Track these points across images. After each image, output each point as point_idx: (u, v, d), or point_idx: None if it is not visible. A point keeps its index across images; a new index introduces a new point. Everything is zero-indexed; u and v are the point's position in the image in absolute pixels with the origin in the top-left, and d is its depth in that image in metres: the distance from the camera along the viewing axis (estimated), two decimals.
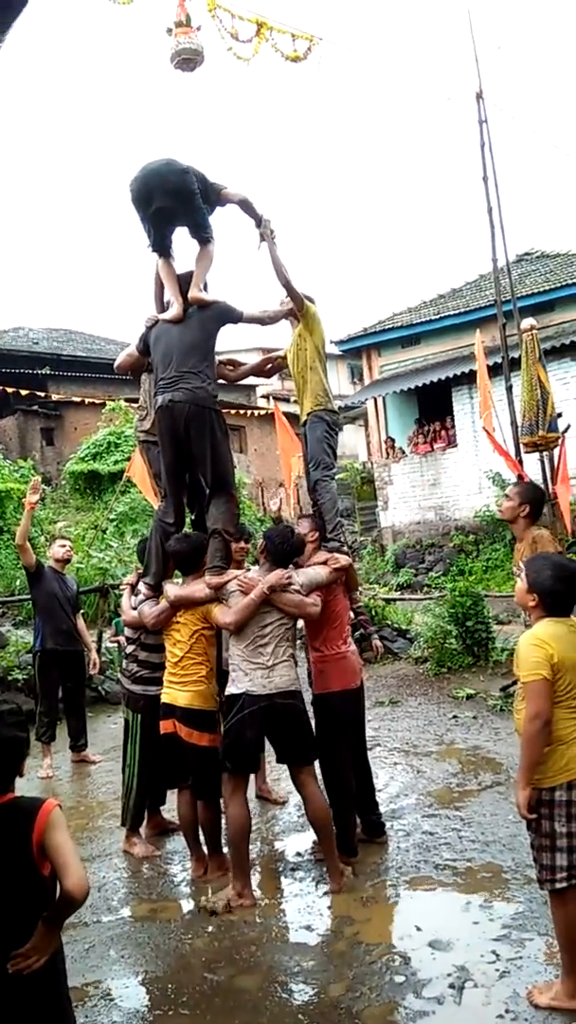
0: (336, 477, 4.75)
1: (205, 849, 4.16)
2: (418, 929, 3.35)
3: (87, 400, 21.50)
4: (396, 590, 15.19)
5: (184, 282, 4.40)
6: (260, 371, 5.09)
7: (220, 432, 4.30)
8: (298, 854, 4.30)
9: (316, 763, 3.94)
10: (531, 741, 2.64)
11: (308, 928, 3.51)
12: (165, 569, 4.35)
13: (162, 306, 4.62)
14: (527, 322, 7.70)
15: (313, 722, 4.23)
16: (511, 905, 3.47)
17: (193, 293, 4.31)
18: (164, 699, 4.12)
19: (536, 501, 4.31)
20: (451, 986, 2.90)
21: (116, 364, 4.90)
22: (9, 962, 1.89)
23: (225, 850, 4.10)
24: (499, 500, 14.88)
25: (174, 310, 4.32)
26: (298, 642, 4.69)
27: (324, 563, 4.12)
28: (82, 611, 6.98)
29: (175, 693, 4.07)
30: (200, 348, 4.24)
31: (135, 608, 4.44)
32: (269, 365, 5.02)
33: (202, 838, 4.17)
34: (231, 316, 4.39)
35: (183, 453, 4.28)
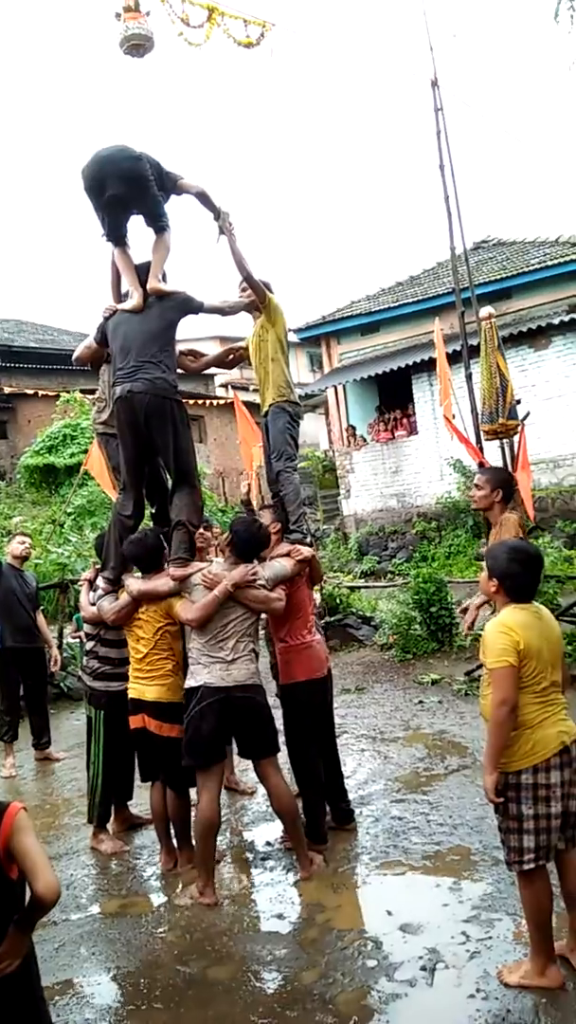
0: (298, 467, 4.75)
1: (175, 842, 4.15)
2: (389, 913, 3.38)
3: (40, 392, 21.13)
4: (360, 577, 15.30)
5: (142, 272, 4.33)
6: (222, 362, 5.05)
7: (181, 423, 4.25)
8: (268, 843, 4.31)
9: (280, 754, 3.93)
10: (498, 726, 2.67)
11: (280, 917, 3.53)
12: (124, 563, 4.29)
13: (119, 295, 4.55)
14: (485, 310, 7.75)
15: (280, 712, 4.25)
16: (480, 886, 3.52)
17: (152, 283, 4.24)
18: (131, 694, 4.08)
19: (506, 483, 4.31)
20: (423, 968, 2.94)
21: (74, 356, 4.81)
22: None
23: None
24: (463, 488, 15.09)
25: (134, 300, 4.25)
26: (261, 633, 4.67)
27: (287, 555, 4.12)
28: (42, 607, 6.88)
29: (142, 688, 4.03)
30: (160, 338, 4.18)
31: (94, 604, 4.39)
32: (231, 356, 4.98)
33: (172, 831, 4.16)
34: (191, 307, 4.34)
35: (143, 444, 4.22)
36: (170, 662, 4.03)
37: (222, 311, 4.60)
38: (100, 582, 4.37)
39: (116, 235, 4.32)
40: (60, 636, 8.39)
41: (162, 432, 4.12)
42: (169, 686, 3.99)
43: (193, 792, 3.95)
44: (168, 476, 4.33)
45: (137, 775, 4.43)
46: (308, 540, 4.48)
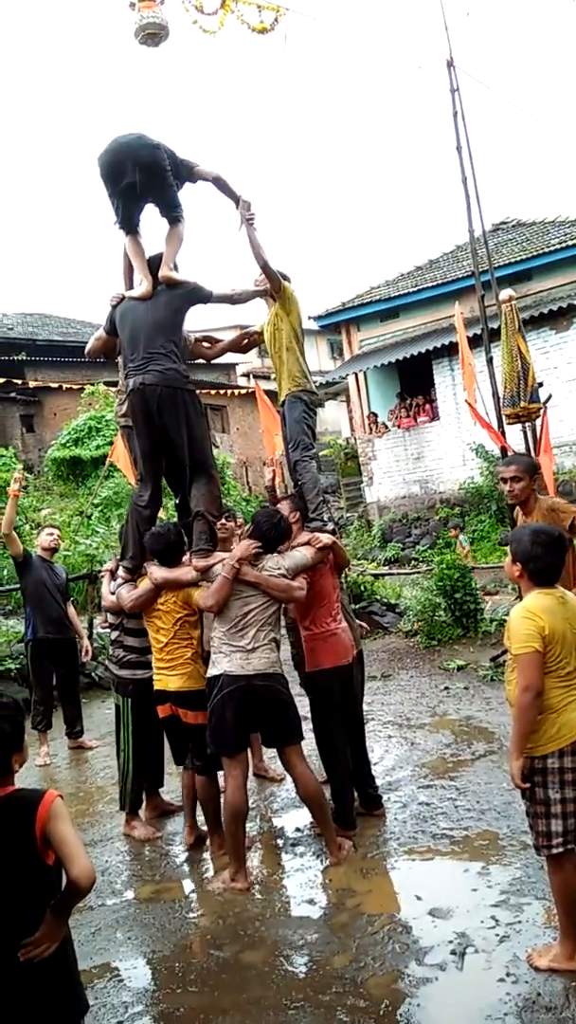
0: (320, 454, 4.78)
1: (207, 828, 4.22)
2: (418, 898, 3.42)
3: (65, 385, 21.30)
4: (384, 565, 15.29)
5: (154, 263, 4.34)
6: (237, 347, 5.04)
7: (195, 412, 4.25)
8: (297, 830, 4.35)
9: (303, 742, 3.96)
10: (523, 712, 2.68)
11: (310, 902, 3.57)
12: (143, 552, 4.31)
13: (131, 284, 4.55)
14: (505, 293, 7.67)
15: (307, 700, 4.29)
16: (508, 871, 3.54)
17: (164, 272, 4.24)
18: (156, 686, 4.14)
19: (536, 468, 4.32)
20: (452, 952, 2.96)
21: (87, 350, 4.82)
22: (20, 951, 1.91)
23: None
24: (486, 474, 14.98)
25: (143, 287, 4.25)
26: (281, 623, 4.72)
27: (307, 543, 4.14)
28: (72, 599, 6.98)
29: (165, 679, 4.09)
30: (167, 327, 4.17)
31: (114, 593, 4.44)
32: (246, 340, 4.97)
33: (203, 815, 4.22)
34: (200, 296, 4.33)
35: (158, 436, 4.23)
36: (189, 650, 4.08)
37: (231, 299, 4.59)
38: (120, 571, 4.42)
39: (129, 224, 4.33)
40: (90, 626, 8.49)
41: (175, 423, 4.13)
42: (190, 674, 4.04)
43: (221, 778, 4.02)
44: (185, 467, 4.34)
45: (169, 760, 4.52)
46: (331, 528, 4.49)
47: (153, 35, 6.05)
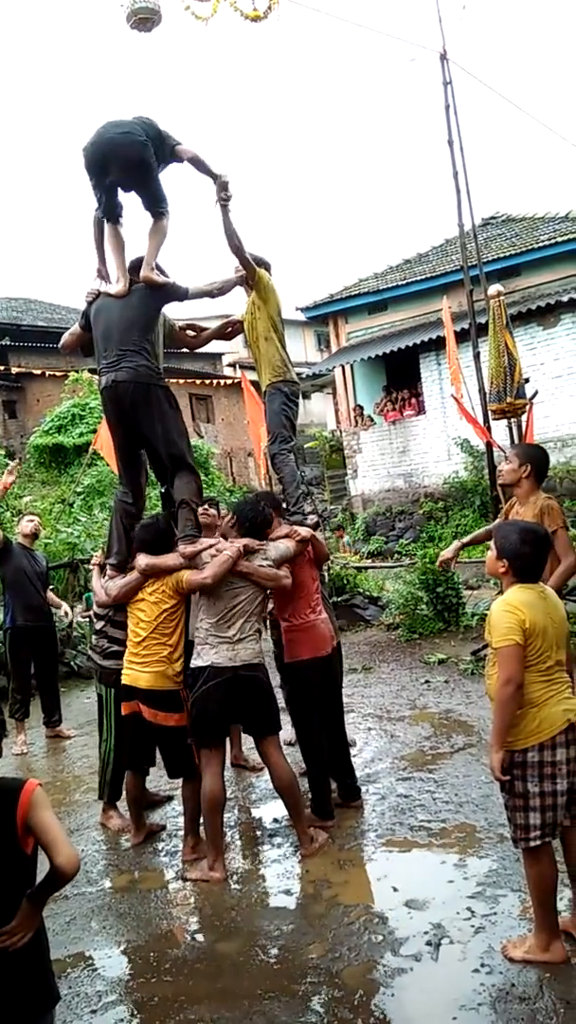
0: (305, 446, 4.76)
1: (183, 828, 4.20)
2: (394, 890, 3.42)
3: (48, 372, 21.10)
4: (367, 558, 15.32)
5: (134, 263, 4.26)
6: (221, 334, 4.99)
7: (170, 408, 4.21)
8: (275, 820, 4.35)
9: (281, 732, 3.96)
10: (503, 705, 2.68)
11: (287, 892, 3.58)
12: (129, 549, 4.27)
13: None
14: (494, 288, 7.69)
15: (286, 690, 4.29)
16: (485, 863, 3.55)
17: (145, 272, 4.16)
18: (124, 680, 4.06)
19: (538, 460, 4.03)
20: (428, 943, 2.97)
21: (61, 343, 4.72)
22: None
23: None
24: (470, 469, 15.04)
25: (119, 285, 4.18)
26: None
27: (287, 536, 4.13)
28: (52, 587, 6.93)
29: (136, 674, 4.00)
30: (140, 324, 4.11)
31: (103, 587, 4.40)
32: (229, 328, 4.92)
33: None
34: (176, 294, 4.27)
35: (132, 433, 4.20)
36: (166, 649, 3.99)
37: (210, 293, 4.53)
38: (107, 569, 4.39)
39: (112, 213, 4.26)
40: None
41: (149, 420, 4.08)
42: (163, 673, 3.96)
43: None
44: (164, 462, 4.29)
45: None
46: (314, 521, 4.48)
47: (145, 20, 5.97)
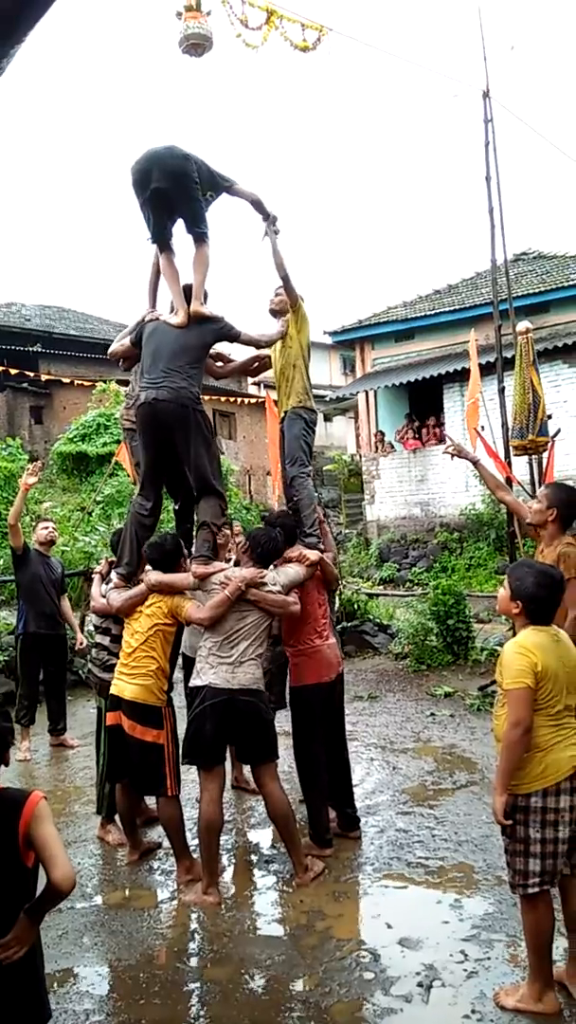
0: (324, 468, 4.81)
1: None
2: (389, 926, 3.40)
3: (77, 380, 21.33)
4: (379, 584, 15.26)
5: (184, 292, 4.36)
6: (247, 368, 5.09)
7: (207, 431, 4.26)
8: (273, 846, 4.33)
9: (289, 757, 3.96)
10: (511, 748, 2.67)
11: (280, 921, 3.56)
12: (139, 561, 4.30)
13: (155, 298, 4.58)
14: (523, 325, 7.72)
15: (290, 714, 4.29)
16: (481, 905, 3.52)
17: (195, 306, 4.24)
18: (112, 690, 4.08)
19: (565, 504, 3.95)
20: (419, 985, 2.94)
21: (110, 351, 4.85)
22: None
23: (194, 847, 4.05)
24: (488, 501, 15.00)
25: (180, 316, 4.27)
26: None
27: (297, 559, 4.15)
28: (67, 594, 6.96)
29: (122, 685, 4.01)
30: (191, 353, 4.19)
31: (104, 596, 4.42)
32: (256, 364, 5.02)
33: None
34: (229, 334, 4.36)
35: (164, 451, 4.24)
36: (154, 663, 3.98)
37: (258, 344, 4.63)
38: (113, 576, 4.40)
39: (161, 238, 4.35)
40: (82, 623, 8.48)
41: (184, 441, 4.13)
42: (149, 687, 3.95)
43: (192, 796, 3.98)
44: (191, 483, 4.31)
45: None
46: (321, 545, 4.49)
47: (197, 45, 6.09)
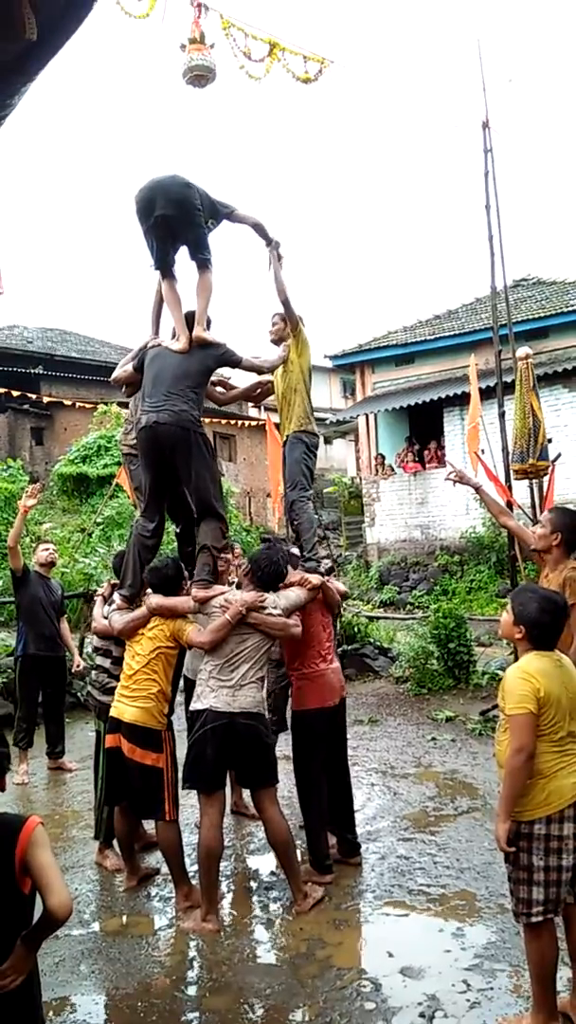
0: (324, 491, 4.83)
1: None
2: (390, 955, 3.35)
3: (78, 403, 21.43)
4: (379, 607, 15.21)
5: (187, 319, 4.41)
6: (249, 395, 5.13)
7: (209, 454, 4.28)
8: (272, 873, 4.28)
9: (278, 785, 3.92)
10: (514, 774, 2.65)
11: (280, 949, 3.51)
12: (142, 584, 4.30)
13: (157, 326, 4.62)
14: (523, 350, 7.76)
15: (291, 738, 4.26)
16: (483, 934, 3.47)
17: (198, 332, 4.28)
18: (112, 712, 4.07)
19: (569, 528, 3.92)
20: (421, 1015, 2.90)
21: (113, 377, 4.87)
22: None
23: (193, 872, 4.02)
24: (488, 524, 15.01)
25: (182, 343, 4.31)
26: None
27: (299, 583, 4.15)
28: (66, 616, 6.94)
29: (122, 707, 3.99)
30: (193, 377, 4.22)
31: (106, 617, 4.42)
32: (258, 391, 5.06)
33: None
34: (231, 360, 4.39)
35: (165, 474, 4.26)
36: (156, 686, 3.97)
37: (260, 370, 4.67)
38: (116, 598, 4.40)
39: (164, 264, 4.39)
40: (82, 645, 8.45)
41: (185, 463, 4.14)
42: (149, 710, 3.93)
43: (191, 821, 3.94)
44: (192, 505, 4.33)
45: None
46: (321, 569, 4.49)
47: (200, 77, 6.19)
